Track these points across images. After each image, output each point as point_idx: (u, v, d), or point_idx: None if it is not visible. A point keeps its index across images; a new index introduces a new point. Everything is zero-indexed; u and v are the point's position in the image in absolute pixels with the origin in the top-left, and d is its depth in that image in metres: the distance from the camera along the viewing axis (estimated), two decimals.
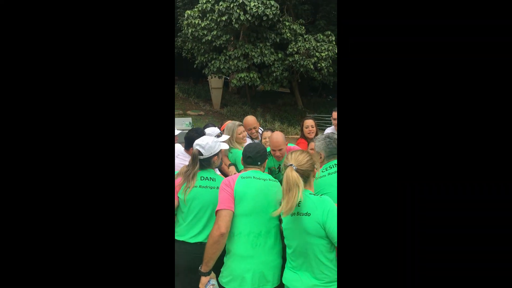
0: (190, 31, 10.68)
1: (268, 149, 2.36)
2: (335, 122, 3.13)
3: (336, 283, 1.38)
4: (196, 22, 10.48)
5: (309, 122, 2.98)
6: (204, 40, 10.67)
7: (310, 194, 1.52)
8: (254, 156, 1.72)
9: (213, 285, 1.52)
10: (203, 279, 1.55)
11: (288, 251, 1.54)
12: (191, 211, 1.73)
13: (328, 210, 1.42)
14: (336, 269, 1.39)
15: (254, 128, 2.81)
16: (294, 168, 1.47)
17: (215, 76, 12.04)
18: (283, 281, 1.54)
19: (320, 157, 1.96)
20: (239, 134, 2.57)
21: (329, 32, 11.34)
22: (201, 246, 1.64)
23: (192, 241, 1.70)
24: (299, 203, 1.45)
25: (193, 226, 1.72)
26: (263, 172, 1.79)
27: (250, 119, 2.85)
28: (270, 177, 1.74)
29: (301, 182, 1.43)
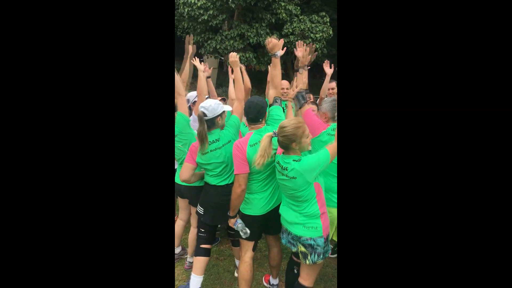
0: (186, 10, 10.70)
1: (267, 100, 2.61)
2: (332, 91, 3.42)
3: (318, 217, 1.84)
4: (193, 1, 10.49)
5: (284, 84, 3.15)
6: (200, 19, 10.73)
7: (294, 161, 1.76)
8: (255, 116, 2.08)
9: (240, 223, 2.04)
10: (232, 221, 2.07)
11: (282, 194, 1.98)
12: (212, 169, 2.19)
13: (310, 169, 1.72)
14: (317, 206, 1.83)
15: (287, 88, 3.04)
16: (273, 135, 1.78)
17: (210, 56, 12.15)
18: (280, 212, 1.98)
19: (325, 117, 2.31)
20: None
21: (324, 13, 11.46)
22: (227, 187, 2.17)
23: (220, 184, 2.21)
24: (286, 168, 1.77)
25: (218, 177, 2.22)
26: (265, 125, 2.12)
27: (283, 81, 3.14)
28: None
29: (269, 150, 1.77)
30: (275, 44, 2.18)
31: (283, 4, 11.01)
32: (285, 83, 3.18)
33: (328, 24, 11.30)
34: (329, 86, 3.50)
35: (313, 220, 1.79)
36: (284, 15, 10.95)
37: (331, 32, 11.25)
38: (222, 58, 14.09)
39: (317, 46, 10.98)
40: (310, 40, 10.89)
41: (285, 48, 2.28)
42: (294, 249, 1.90)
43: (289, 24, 11.01)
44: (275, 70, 2.24)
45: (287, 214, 1.88)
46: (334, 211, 2.09)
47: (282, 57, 2.15)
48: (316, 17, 11.34)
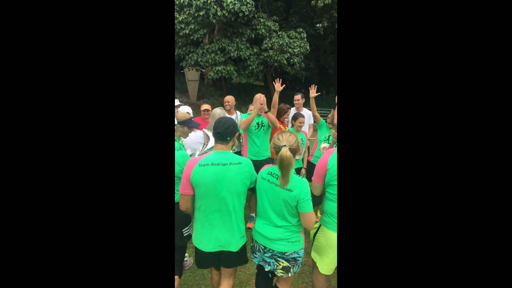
0: None
1: (239, 129, 2.74)
2: (297, 102, 3.95)
3: (296, 233, 1.76)
4: (174, 15, 10.73)
5: (261, 99, 3.26)
6: (181, 33, 10.96)
7: (293, 173, 1.71)
8: (223, 132, 1.73)
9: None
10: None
11: (258, 205, 1.81)
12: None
13: (305, 193, 1.65)
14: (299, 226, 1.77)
15: (261, 104, 3.21)
16: (287, 147, 1.64)
17: (192, 69, 12.35)
18: (257, 230, 1.82)
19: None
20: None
21: (301, 30, 12.02)
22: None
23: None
24: None
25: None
26: (231, 149, 1.85)
27: (260, 95, 3.31)
28: (234, 159, 1.74)
29: (293, 161, 1.64)
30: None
31: (262, 20, 11.46)
32: (262, 98, 3.26)
33: (305, 39, 11.84)
34: (295, 98, 3.99)
35: (297, 234, 1.76)
36: (263, 30, 11.39)
37: (308, 47, 11.79)
38: (203, 70, 14.30)
39: (295, 60, 11.46)
40: (288, 54, 11.35)
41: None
42: (268, 268, 1.80)
43: (268, 39, 11.45)
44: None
45: (269, 231, 1.75)
46: (333, 235, 1.90)
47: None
48: (294, 33, 11.86)
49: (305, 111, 3.99)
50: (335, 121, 3.49)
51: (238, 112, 3.95)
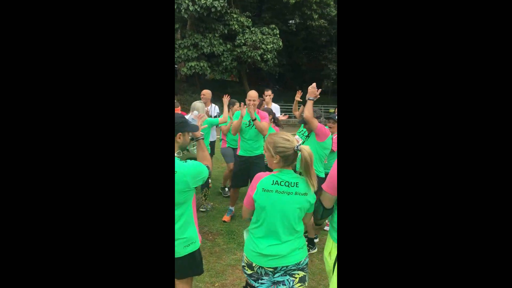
0: None
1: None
2: (267, 98, 4.15)
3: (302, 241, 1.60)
4: None
5: (252, 95, 3.29)
6: None
7: (297, 174, 1.56)
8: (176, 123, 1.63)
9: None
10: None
11: (257, 224, 1.58)
12: None
13: (313, 193, 1.53)
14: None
15: (254, 100, 3.23)
16: (302, 145, 1.51)
17: None
18: (265, 253, 1.57)
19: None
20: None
21: (274, 26, 12.15)
22: None
23: None
24: (296, 183, 1.51)
25: None
26: (184, 150, 1.75)
27: (254, 92, 3.36)
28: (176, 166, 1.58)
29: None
30: (312, 91, 2.57)
31: (235, 15, 11.45)
32: (253, 94, 3.29)
33: (278, 36, 11.99)
34: (265, 93, 4.20)
35: (303, 238, 1.62)
36: (236, 26, 11.39)
37: (280, 44, 11.95)
38: (176, 66, 14.04)
39: (269, 56, 11.58)
40: (262, 50, 11.45)
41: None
42: None
43: (241, 35, 11.47)
44: (307, 111, 2.64)
45: (279, 250, 1.55)
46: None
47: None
48: (267, 29, 11.97)
49: (273, 106, 4.19)
50: (298, 114, 3.70)
51: (213, 105, 4.15)
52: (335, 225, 1.56)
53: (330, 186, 1.50)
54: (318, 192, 1.54)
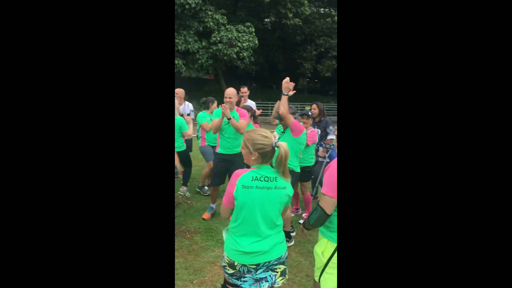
0: None
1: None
2: (244, 95, 4.21)
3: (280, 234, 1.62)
4: None
5: (230, 93, 3.38)
6: None
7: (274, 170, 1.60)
8: None
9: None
10: None
11: (237, 222, 1.58)
12: None
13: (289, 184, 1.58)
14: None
15: (230, 98, 3.24)
16: (279, 142, 1.53)
17: None
18: (248, 250, 1.57)
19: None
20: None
21: (249, 24, 12.16)
22: None
23: None
24: (275, 178, 1.54)
25: None
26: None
27: (231, 89, 3.37)
28: None
29: None
30: (286, 86, 2.59)
31: (210, 13, 11.34)
32: (230, 91, 3.30)
33: (254, 34, 12.02)
34: (241, 90, 4.23)
35: (282, 233, 1.64)
36: (211, 23, 11.29)
37: (256, 42, 11.99)
38: None
39: (245, 54, 11.59)
40: (237, 48, 11.44)
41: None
42: (266, 285, 1.60)
43: (216, 32, 11.39)
44: (282, 107, 2.69)
45: (262, 246, 1.56)
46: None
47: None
48: (242, 27, 11.96)
49: (249, 102, 4.25)
50: (274, 110, 3.76)
51: (187, 103, 4.17)
52: (330, 225, 1.58)
53: (330, 188, 1.48)
54: (319, 201, 1.54)
